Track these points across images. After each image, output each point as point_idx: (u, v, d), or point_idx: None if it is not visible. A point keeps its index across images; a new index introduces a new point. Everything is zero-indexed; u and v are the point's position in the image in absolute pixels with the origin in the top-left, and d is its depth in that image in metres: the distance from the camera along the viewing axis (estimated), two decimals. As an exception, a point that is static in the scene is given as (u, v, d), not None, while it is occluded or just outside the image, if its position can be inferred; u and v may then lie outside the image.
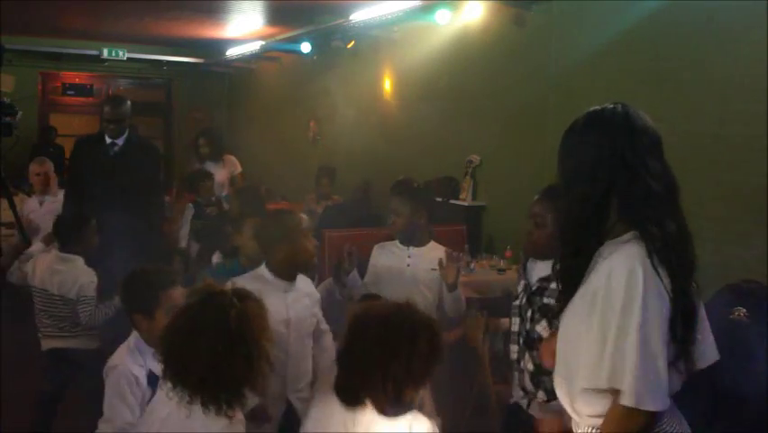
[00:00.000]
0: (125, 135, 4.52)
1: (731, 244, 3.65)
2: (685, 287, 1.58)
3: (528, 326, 2.45)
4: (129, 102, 4.65)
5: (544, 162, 5.22)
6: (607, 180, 1.62)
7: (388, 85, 7.28)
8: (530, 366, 2.43)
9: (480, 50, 5.88)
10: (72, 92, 10.82)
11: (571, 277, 1.69)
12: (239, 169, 6.73)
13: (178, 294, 2.33)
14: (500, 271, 4.94)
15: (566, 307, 1.70)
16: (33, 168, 5.14)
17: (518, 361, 2.49)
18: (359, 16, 6.47)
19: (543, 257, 2.49)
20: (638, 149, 1.62)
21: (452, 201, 5.87)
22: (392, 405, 1.74)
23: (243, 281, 2.69)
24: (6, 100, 3.70)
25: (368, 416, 1.75)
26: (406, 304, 1.82)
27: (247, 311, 1.76)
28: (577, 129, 1.72)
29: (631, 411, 1.52)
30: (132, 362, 2.37)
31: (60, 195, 4.96)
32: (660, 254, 1.56)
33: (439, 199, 5.85)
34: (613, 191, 1.62)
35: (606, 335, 1.54)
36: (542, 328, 2.41)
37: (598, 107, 1.72)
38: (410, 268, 3.44)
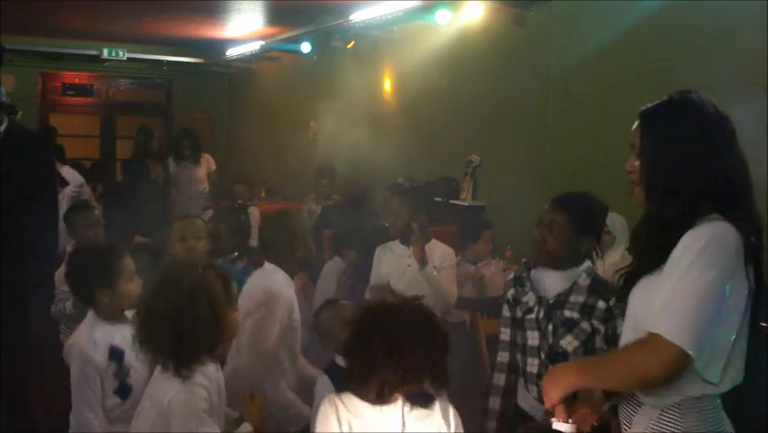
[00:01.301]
0: (3, 127, 3.40)
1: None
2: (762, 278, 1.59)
3: (551, 340, 2.38)
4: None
5: (544, 162, 5.22)
6: (706, 180, 1.59)
7: (388, 85, 7.28)
8: None
9: (480, 50, 5.88)
10: (72, 92, 10.82)
11: (655, 259, 1.64)
12: (214, 166, 7.04)
13: (130, 261, 2.50)
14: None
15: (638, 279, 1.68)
16: None
17: (539, 375, 2.41)
18: (359, 16, 6.47)
19: (556, 266, 2.45)
20: (729, 140, 1.62)
21: (452, 201, 5.87)
22: (418, 396, 1.73)
23: (267, 277, 2.88)
24: (6, 100, 3.70)
25: (397, 409, 1.74)
26: (412, 297, 1.81)
27: (204, 281, 1.93)
28: (665, 121, 1.66)
29: (669, 347, 1.47)
30: (90, 339, 2.39)
31: (60, 194, 4.96)
32: (750, 246, 1.55)
33: (439, 199, 5.85)
34: (707, 184, 1.59)
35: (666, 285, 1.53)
36: (567, 343, 2.36)
37: (675, 96, 1.68)
38: (411, 268, 3.46)
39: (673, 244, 1.58)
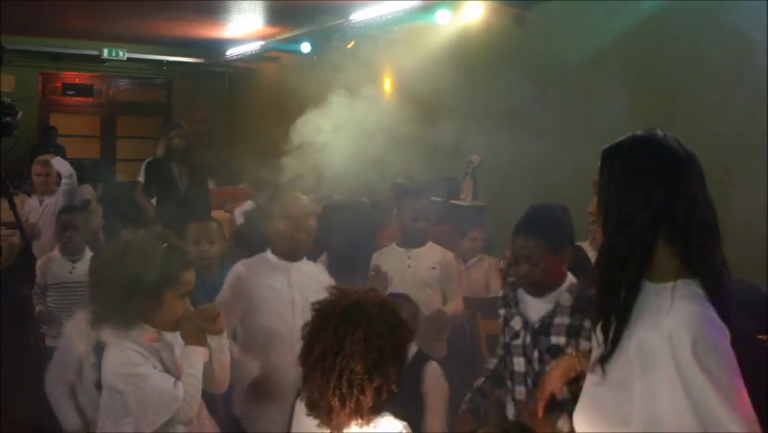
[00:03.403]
0: None
1: (730, 245, 3.64)
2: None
3: (537, 367, 2.31)
4: None
5: (543, 162, 5.22)
6: (660, 215, 1.52)
7: (388, 85, 7.28)
8: None
9: (480, 50, 5.88)
10: (72, 92, 10.83)
11: (616, 315, 1.56)
12: None
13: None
14: (500, 271, 4.93)
15: (613, 351, 1.56)
16: (35, 168, 5.12)
17: (527, 403, 2.33)
18: (359, 16, 6.48)
19: (541, 294, 2.37)
20: (690, 179, 1.55)
21: (452, 201, 5.87)
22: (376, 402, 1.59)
23: (249, 264, 2.90)
24: (6, 100, 3.70)
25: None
26: (365, 290, 1.69)
27: (146, 251, 2.02)
28: (623, 157, 1.60)
29: None
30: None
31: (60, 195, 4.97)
32: (715, 296, 1.49)
33: (439, 199, 5.84)
34: (662, 226, 1.52)
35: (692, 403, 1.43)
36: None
37: (639, 133, 1.62)
38: (411, 269, 3.47)
39: (628, 282, 1.53)
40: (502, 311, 2.52)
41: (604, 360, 1.57)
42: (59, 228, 3.78)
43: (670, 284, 1.51)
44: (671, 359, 1.44)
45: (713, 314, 1.47)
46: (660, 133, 1.60)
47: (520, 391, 2.38)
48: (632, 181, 1.56)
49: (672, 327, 1.45)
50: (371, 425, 1.59)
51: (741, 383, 1.45)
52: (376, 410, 1.58)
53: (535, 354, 2.32)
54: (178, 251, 2.11)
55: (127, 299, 1.97)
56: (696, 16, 4.09)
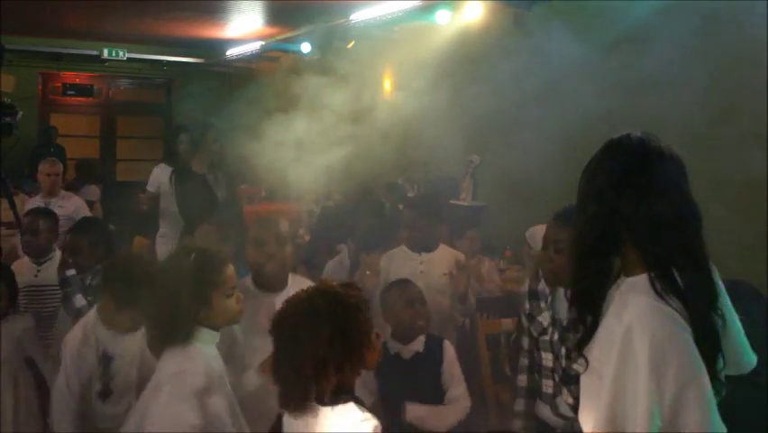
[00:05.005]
0: None
1: (729, 244, 3.64)
2: (702, 312, 1.52)
3: (564, 363, 2.33)
4: None
5: (543, 163, 5.22)
6: (613, 204, 1.57)
7: (388, 85, 7.28)
8: (570, 400, 2.33)
9: (480, 50, 5.88)
10: (72, 92, 10.83)
11: (587, 304, 1.64)
12: None
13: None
14: (500, 271, 4.93)
15: (592, 338, 1.63)
16: (45, 168, 5.04)
17: (554, 396, 2.40)
18: (359, 16, 6.48)
19: (567, 285, 2.33)
20: (651, 174, 1.58)
21: (453, 201, 5.87)
22: (332, 395, 1.68)
23: None
24: (6, 100, 3.70)
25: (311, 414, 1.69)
26: (319, 285, 1.81)
27: (179, 262, 2.09)
28: (594, 157, 1.69)
29: None
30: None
31: (66, 197, 4.97)
32: (667, 283, 1.52)
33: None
34: (621, 217, 1.57)
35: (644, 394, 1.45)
36: (579, 366, 2.33)
37: (616, 135, 1.69)
38: (423, 274, 3.38)
39: (597, 266, 1.60)
40: (527, 305, 2.52)
41: (580, 347, 1.65)
42: (23, 230, 3.72)
43: (636, 278, 1.56)
44: (626, 351, 1.49)
45: (662, 306, 1.50)
46: (635, 135, 1.64)
47: (547, 385, 2.42)
48: (591, 181, 1.64)
49: (630, 320, 1.51)
50: (333, 409, 1.68)
51: (689, 377, 1.44)
52: (335, 396, 1.67)
53: (563, 350, 2.34)
54: (208, 253, 2.14)
55: (179, 316, 2.02)
56: (696, 16, 4.09)
